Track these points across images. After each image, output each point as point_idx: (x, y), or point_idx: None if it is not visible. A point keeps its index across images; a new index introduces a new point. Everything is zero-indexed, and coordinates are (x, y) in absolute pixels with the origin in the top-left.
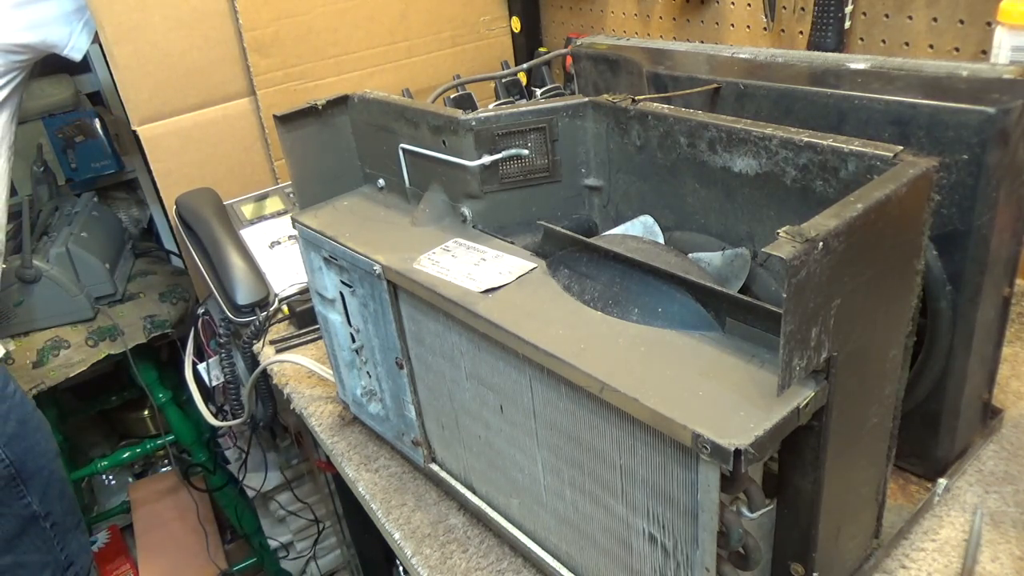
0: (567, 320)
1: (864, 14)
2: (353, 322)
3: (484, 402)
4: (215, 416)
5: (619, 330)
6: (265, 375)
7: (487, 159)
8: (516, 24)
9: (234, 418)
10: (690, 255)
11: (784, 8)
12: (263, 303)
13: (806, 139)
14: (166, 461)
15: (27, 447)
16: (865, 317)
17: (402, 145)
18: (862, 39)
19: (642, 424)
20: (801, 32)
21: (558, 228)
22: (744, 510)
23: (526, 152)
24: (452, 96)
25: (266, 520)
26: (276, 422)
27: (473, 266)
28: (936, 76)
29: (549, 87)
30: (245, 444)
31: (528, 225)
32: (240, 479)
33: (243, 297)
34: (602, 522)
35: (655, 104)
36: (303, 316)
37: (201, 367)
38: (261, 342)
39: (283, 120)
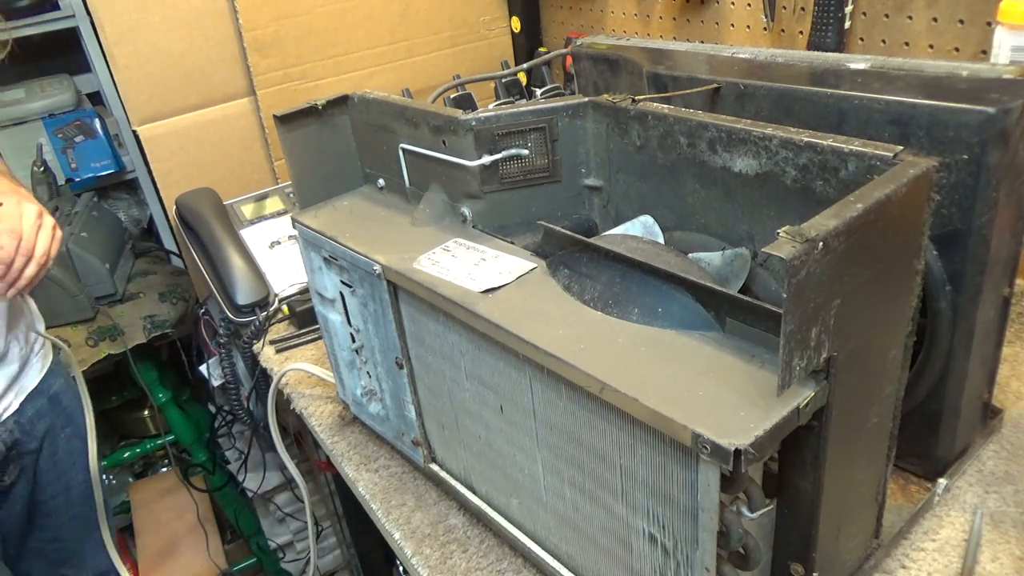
0: (567, 320)
1: (864, 14)
2: (353, 322)
3: (484, 402)
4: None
5: (619, 330)
6: (265, 375)
7: (487, 159)
8: (516, 24)
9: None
10: (690, 255)
11: (784, 8)
12: (263, 303)
13: (806, 139)
14: (166, 461)
15: None
16: (865, 317)
17: (402, 145)
18: (862, 39)
19: (642, 424)
20: (801, 32)
21: (558, 228)
22: (744, 510)
23: (526, 152)
24: (452, 96)
25: (266, 520)
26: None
27: (473, 266)
28: (936, 76)
29: (549, 87)
30: (245, 444)
31: (528, 225)
32: (240, 480)
33: (243, 297)
34: (602, 522)
35: (655, 104)
36: (303, 316)
37: (203, 367)
38: (261, 342)
39: (283, 120)
